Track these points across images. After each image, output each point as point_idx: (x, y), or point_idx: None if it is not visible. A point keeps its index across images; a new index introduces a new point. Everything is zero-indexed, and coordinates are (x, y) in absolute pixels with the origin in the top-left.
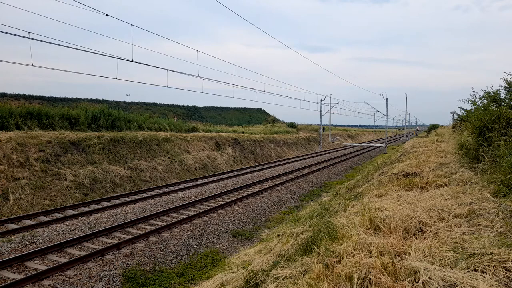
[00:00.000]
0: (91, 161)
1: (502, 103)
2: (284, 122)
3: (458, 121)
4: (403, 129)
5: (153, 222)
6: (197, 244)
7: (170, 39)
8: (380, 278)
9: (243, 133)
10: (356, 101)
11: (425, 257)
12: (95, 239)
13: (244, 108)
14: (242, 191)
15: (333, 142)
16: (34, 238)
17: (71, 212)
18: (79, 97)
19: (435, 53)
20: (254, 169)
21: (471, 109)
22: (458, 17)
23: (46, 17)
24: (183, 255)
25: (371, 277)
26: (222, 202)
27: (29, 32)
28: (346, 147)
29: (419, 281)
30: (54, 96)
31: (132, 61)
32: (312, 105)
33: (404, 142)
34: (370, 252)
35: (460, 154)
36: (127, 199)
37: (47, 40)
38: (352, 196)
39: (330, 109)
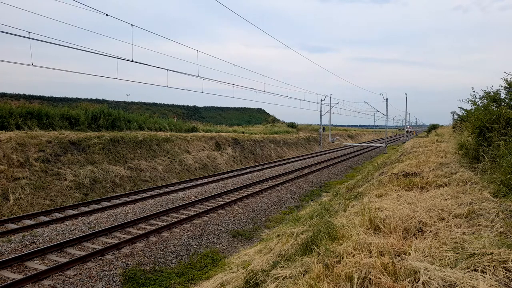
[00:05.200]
0: (91, 161)
1: (502, 103)
2: (284, 122)
3: (458, 121)
4: (403, 129)
5: (153, 222)
6: (197, 244)
7: (170, 39)
8: (380, 278)
9: (243, 133)
10: (356, 101)
11: (425, 257)
12: (95, 239)
13: (244, 108)
14: (242, 191)
15: (333, 142)
16: (34, 238)
17: (71, 212)
18: (79, 97)
19: (435, 53)
20: (254, 169)
21: (471, 109)
22: (458, 17)
23: (46, 17)
24: (183, 255)
25: (371, 277)
26: (222, 202)
27: (29, 32)
28: (346, 147)
29: (419, 281)
30: (54, 96)
31: (132, 61)
32: (312, 105)
33: (404, 142)
34: (370, 252)
35: (460, 154)
36: (127, 199)
37: (47, 40)
38: (352, 196)
39: (330, 109)
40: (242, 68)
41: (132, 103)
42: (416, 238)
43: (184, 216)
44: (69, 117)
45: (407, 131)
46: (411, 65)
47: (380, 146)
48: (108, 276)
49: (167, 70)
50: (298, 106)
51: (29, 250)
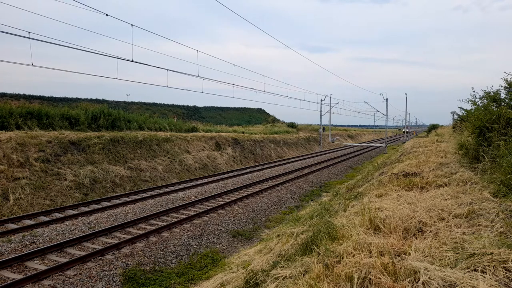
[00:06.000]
0: (91, 161)
1: (502, 103)
2: (284, 122)
3: (458, 121)
4: (403, 129)
5: (153, 222)
6: (197, 244)
7: (170, 39)
8: (380, 278)
9: (243, 133)
10: (356, 101)
11: (425, 257)
12: (95, 239)
13: (244, 108)
14: (242, 191)
15: (333, 142)
16: (34, 238)
17: (71, 212)
18: (79, 97)
19: (435, 53)
20: (254, 169)
21: (471, 109)
22: (458, 17)
23: (46, 17)
24: (183, 255)
25: (371, 277)
26: (222, 202)
27: (29, 32)
28: (346, 147)
29: (419, 281)
30: (54, 96)
31: (132, 61)
32: (312, 105)
33: (404, 142)
34: (370, 252)
35: (460, 154)
36: (127, 199)
37: (47, 40)
38: (352, 196)
39: (330, 109)
40: (242, 68)
41: (132, 103)
42: (416, 238)
43: (184, 216)
44: (69, 117)
45: (406, 132)
46: (411, 65)
47: (380, 146)
48: (108, 276)
49: (167, 70)
50: (298, 106)
51: (29, 250)
